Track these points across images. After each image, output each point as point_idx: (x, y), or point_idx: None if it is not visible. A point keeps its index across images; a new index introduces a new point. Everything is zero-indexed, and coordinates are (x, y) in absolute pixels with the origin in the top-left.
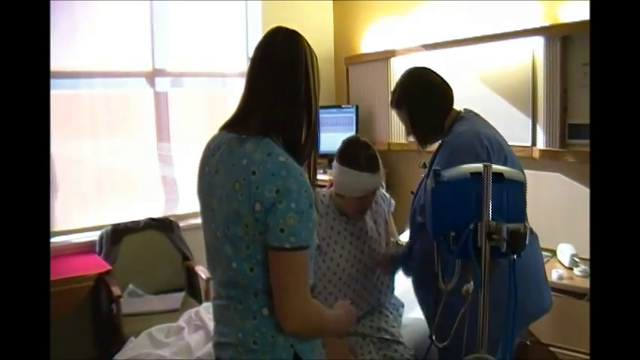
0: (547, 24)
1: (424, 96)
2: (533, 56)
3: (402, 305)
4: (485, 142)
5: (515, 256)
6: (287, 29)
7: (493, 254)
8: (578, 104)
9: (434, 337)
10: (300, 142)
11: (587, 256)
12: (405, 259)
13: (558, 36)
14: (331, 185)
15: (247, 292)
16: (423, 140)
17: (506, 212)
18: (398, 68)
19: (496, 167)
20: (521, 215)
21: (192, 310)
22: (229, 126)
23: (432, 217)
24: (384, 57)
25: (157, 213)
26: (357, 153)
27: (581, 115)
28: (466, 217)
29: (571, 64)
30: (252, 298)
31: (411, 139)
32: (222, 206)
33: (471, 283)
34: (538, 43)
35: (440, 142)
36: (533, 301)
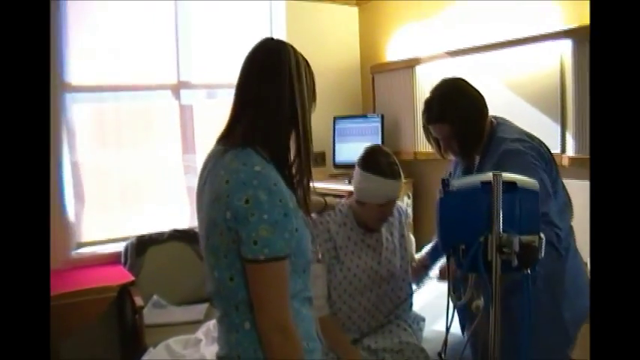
0: (575, 26)
1: (468, 107)
2: (562, 60)
3: (423, 319)
4: (537, 146)
5: (529, 271)
6: (274, 40)
7: (504, 268)
8: None
9: (443, 355)
10: (286, 155)
11: None
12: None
13: (587, 38)
14: (350, 195)
15: (230, 305)
16: (467, 153)
17: (518, 223)
18: (423, 76)
19: (507, 175)
20: (535, 226)
21: (211, 322)
22: (220, 139)
23: (441, 229)
24: (409, 65)
25: (182, 224)
26: (379, 160)
27: None
28: (476, 229)
29: None
30: (234, 311)
31: (451, 157)
32: (205, 216)
33: (482, 299)
34: (566, 46)
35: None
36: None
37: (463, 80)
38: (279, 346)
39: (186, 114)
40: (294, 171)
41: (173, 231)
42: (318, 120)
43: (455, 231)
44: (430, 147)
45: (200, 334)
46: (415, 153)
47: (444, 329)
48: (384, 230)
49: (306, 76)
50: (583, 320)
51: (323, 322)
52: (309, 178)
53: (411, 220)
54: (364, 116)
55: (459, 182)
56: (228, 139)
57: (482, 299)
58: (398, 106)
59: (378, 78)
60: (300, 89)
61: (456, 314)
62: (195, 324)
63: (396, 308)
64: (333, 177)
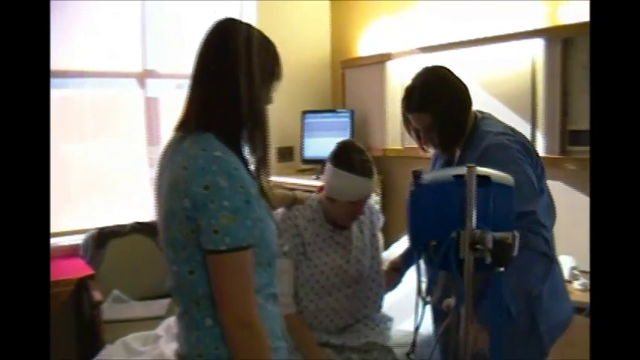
0: (548, 25)
1: (451, 97)
2: (533, 59)
3: (391, 319)
4: (523, 141)
5: (502, 269)
6: (227, 19)
7: (478, 266)
8: (580, 109)
9: (412, 356)
10: (238, 139)
11: (588, 268)
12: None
13: (559, 38)
14: (320, 190)
15: (190, 301)
16: (448, 145)
17: (492, 220)
18: (394, 72)
19: (481, 170)
20: (509, 223)
21: (172, 319)
22: (178, 125)
23: (411, 224)
24: (381, 60)
25: (145, 217)
26: (352, 156)
27: (583, 120)
28: (448, 224)
29: (572, 68)
30: (195, 307)
31: (430, 150)
32: (164, 206)
33: (453, 298)
34: (538, 45)
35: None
36: (568, 308)
37: (447, 69)
38: (244, 342)
39: (151, 104)
40: (250, 157)
41: (135, 223)
42: (287, 114)
43: (426, 226)
44: (401, 144)
45: (160, 330)
46: (385, 150)
47: (412, 329)
48: (354, 228)
49: (260, 56)
50: (559, 332)
51: (289, 321)
52: (266, 165)
53: (381, 223)
54: (334, 111)
55: (431, 175)
56: (186, 125)
57: (453, 298)
58: (368, 102)
59: (348, 73)
60: (249, 69)
61: (429, 312)
62: (157, 320)
63: (365, 308)
64: (301, 172)
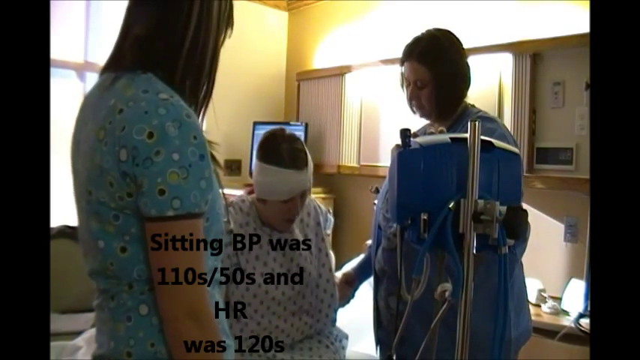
0: (515, 40)
1: (456, 61)
2: (501, 74)
3: (346, 337)
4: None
5: (507, 248)
6: None
7: (479, 244)
8: (548, 127)
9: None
10: (184, 85)
11: (555, 293)
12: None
13: (528, 53)
14: (251, 192)
15: (119, 283)
16: (438, 110)
17: (497, 191)
18: (353, 85)
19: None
20: (517, 197)
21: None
22: (106, 64)
23: (398, 194)
24: (339, 73)
25: (75, 221)
26: (279, 147)
27: (551, 138)
28: (444, 193)
29: (541, 84)
30: (126, 290)
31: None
32: (87, 165)
33: (449, 283)
34: (506, 60)
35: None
36: (528, 320)
37: (457, 38)
38: (192, 338)
39: None
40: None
41: (63, 227)
42: (237, 126)
43: (415, 196)
44: (356, 161)
45: (80, 340)
46: (339, 166)
47: (365, 350)
48: (297, 231)
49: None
50: (524, 340)
51: None
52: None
53: (331, 224)
54: (286, 123)
55: (423, 139)
56: (119, 63)
57: (449, 283)
58: (324, 116)
59: (303, 85)
60: (207, 14)
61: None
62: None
63: (317, 323)
64: (249, 186)
